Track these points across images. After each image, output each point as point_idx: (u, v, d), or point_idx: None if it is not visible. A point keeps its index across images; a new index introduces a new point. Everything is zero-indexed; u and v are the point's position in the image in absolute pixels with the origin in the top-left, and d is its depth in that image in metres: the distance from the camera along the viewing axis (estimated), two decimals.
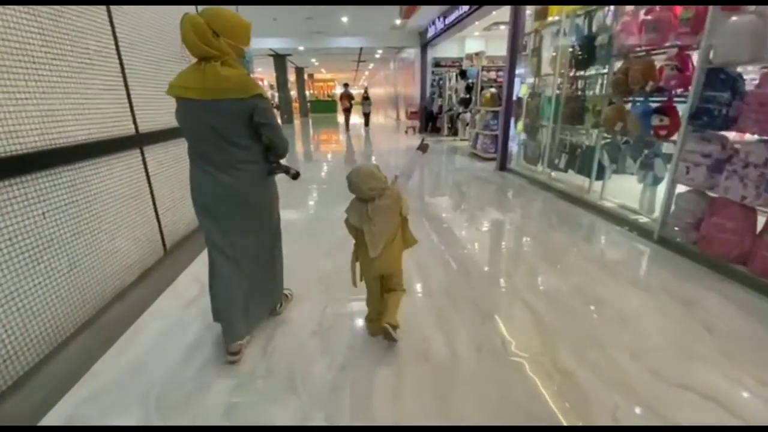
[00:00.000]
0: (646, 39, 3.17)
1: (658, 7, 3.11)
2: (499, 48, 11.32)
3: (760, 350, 1.81)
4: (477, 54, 8.56)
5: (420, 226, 3.58)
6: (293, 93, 21.67)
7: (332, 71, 27.17)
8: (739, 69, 2.54)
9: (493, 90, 6.94)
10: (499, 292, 2.41)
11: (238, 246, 1.74)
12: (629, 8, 3.53)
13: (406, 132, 12.57)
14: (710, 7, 2.57)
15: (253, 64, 2.10)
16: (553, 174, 4.91)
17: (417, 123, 12.69)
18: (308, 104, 22.95)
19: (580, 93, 4.47)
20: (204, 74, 1.46)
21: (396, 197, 1.70)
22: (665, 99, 3.08)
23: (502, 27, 10.61)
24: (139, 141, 2.68)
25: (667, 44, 3.06)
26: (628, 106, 3.62)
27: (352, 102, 13.77)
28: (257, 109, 1.54)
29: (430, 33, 10.90)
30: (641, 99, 3.36)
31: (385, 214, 1.68)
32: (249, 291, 1.83)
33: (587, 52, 4.13)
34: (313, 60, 18.96)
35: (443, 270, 2.70)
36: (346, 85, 13.97)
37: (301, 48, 13.62)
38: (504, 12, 7.94)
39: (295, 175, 1.79)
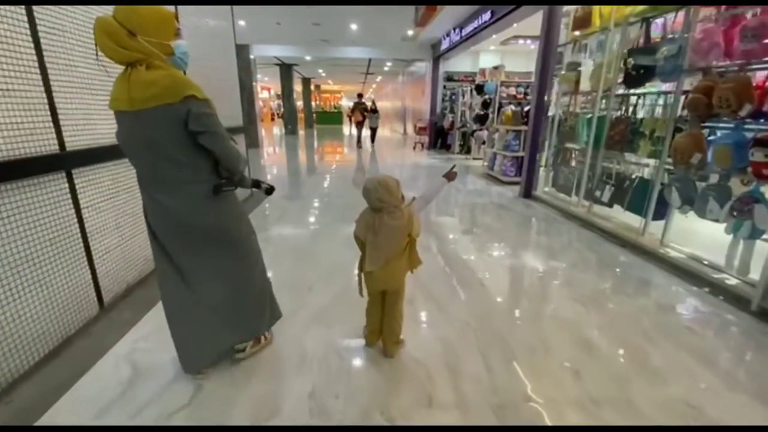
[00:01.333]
0: (742, 49, 2.45)
1: (759, 9, 2.41)
2: (516, 63, 10.81)
3: None
4: (496, 68, 7.91)
5: (436, 272, 2.84)
6: (299, 103, 21.22)
7: (339, 83, 26.79)
8: None
9: (514, 107, 6.24)
10: (570, 414, 1.63)
11: (190, 270, 1.54)
12: (709, 11, 2.83)
13: (414, 148, 11.90)
14: None
15: (187, 58, 1.47)
16: (594, 208, 4.16)
17: (425, 138, 12.03)
18: (314, 115, 22.49)
19: (630, 115, 3.75)
20: (129, 82, 1.25)
21: (408, 219, 1.65)
22: None
23: (521, 41, 10.05)
24: (64, 162, 1.95)
25: None
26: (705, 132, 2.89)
27: (366, 115, 12.10)
28: (190, 115, 1.28)
29: (444, 45, 10.31)
30: (731, 126, 2.63)
31: (393, 233, 1.63)
32: (208, 317, 1.62)
33: (644, 67, 3.42)
34: (321, 71, 18.49)
35: (477, 360, 1.93)
36: (360, 96, 12.62)
37: (308, 57, 13.09)
38: (525, 25, 7.34)
39: (269, 191, 1.70)
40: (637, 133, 3.57)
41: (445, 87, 11.86)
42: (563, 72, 4.65)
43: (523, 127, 6.00)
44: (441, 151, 11.09)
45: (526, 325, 2.25)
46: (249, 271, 1.70)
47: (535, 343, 2.07)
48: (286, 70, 15.80)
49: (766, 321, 2.27)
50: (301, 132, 18.50)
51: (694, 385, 1.76)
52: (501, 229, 4.20)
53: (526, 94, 7.90)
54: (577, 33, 4.49)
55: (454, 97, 10.33)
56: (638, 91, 3.69)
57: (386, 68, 17.08)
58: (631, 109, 3.77)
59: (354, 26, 9.01)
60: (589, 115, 4.28)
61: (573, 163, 4.70)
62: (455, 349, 1.98)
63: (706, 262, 2.85)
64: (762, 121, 2.50)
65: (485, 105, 7.97)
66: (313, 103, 23.37)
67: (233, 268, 1.62)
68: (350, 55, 12.35)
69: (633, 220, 3.64)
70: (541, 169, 5.33)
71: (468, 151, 9.37)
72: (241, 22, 8.46)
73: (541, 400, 1.64)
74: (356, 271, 1.80)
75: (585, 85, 4.35)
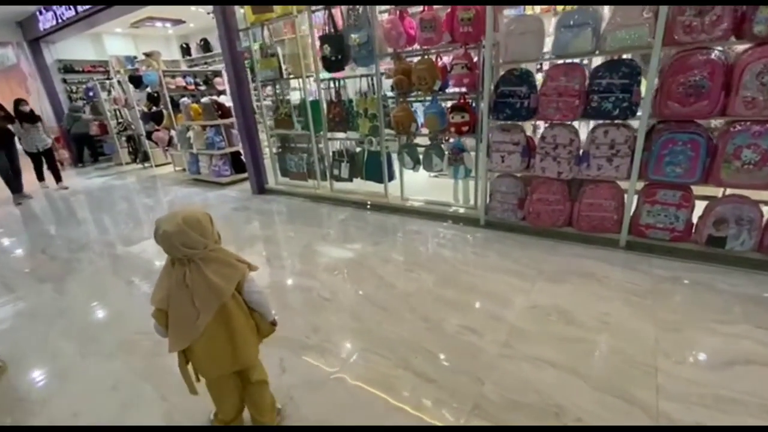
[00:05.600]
0: (423, 38, 3.16)
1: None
2: (155, 49, 9.40)
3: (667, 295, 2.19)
4: (149, 54, 6.50)
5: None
6: None
7: None
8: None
9: (205, 100, 5.50)
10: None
11: None
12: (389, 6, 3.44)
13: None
14: (487, 8, 2.76)
15: None
16: (336, 185, 4.47)
17: (65, 153, 8.72)
18: None
19: (339, 97, 4.13)
20: None
21: (236, 260, 1.27)
22: (459, 97, 3.22)
23: (158, 24, 8.76)
24: None
25: (443, 43, 3.17)
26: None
27: (11, 127, 5.62)
28: None
29: (46, 24, 7.44)
30: (429, 99, 3.41)
31: (216, 284, 1.19)
32: None
33: (339, 52, 3.80)
34: None
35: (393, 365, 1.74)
36: None
37: None
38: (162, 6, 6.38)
39: None
40: (353, 113, 4.02)
41: (65, 81, 8.84)
42: (259, 58, 4.46)
43: (222, 121, 5.45)
44: (99, 165, 8.43)
45: (392, 315, 2.22)
46: None
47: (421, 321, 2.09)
48: None
49: (492, 228, 3.30)
50: None
51: (478, 278, 2.35)
52: (268, 232, 3.80)
53: (197, 84, 7.11)
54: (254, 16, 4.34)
55: (92, 93, 7.85)
56: (340, 75, 4.10)
57: None
58: (336, 91, 4.15)
59: None
60: (297, 101, 4.41)
61: (299, 150, 4.78)
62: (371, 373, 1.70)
63: (438, 203, 3.75)
64: (446, 92, 3.41)
65: (153, 100, 6.57)
66: None
67: None
68: None
69: (371, 186, 4.21)
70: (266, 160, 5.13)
71: (145, 159, 7.60)
72: None
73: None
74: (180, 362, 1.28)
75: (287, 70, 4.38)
